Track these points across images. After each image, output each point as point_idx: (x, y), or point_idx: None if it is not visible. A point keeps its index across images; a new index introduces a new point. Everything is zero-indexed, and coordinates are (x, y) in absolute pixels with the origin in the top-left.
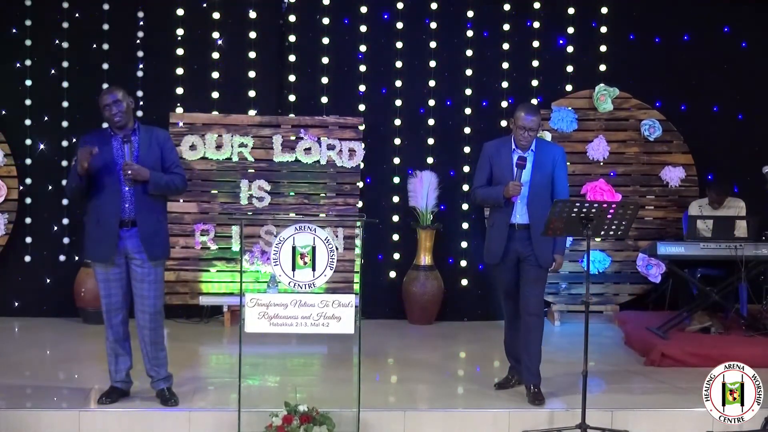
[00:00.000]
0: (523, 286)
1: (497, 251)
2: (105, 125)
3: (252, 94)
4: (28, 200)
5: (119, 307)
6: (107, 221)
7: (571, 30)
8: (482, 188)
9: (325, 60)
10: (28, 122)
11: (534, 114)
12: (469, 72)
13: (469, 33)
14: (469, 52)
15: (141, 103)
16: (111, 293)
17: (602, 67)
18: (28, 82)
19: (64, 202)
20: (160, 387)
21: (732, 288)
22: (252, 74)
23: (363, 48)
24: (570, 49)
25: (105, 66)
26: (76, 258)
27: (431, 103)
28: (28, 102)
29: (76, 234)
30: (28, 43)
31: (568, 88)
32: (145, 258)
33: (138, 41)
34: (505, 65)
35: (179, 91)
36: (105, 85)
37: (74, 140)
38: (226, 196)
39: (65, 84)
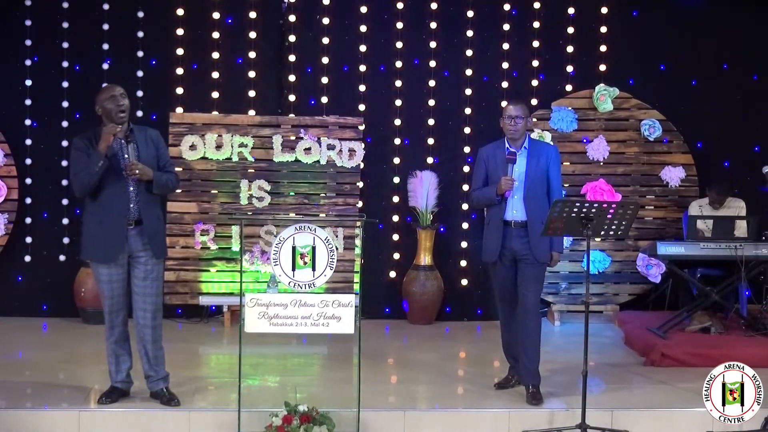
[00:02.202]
0: (520, 285)
1: (494, 249)
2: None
3: (252, 94)
4: (28, 200)
5: (121, 307)
6: (115, 222)
7: (571, 30)
8: (478, 190)
9: (325, 60)
10: (28, 122)
11: (517, 103)
12: (469, 72)
13: (469, 33)
14: (469, 52)
15: (141, 103)
16: (114, 294)
17: (602, 67)
18: (28, 82)
19: (65, 202)
20: (159, 387)
21: (732, 288)
22: (252, 74)
23: (363, 48)
24: (570, 49)
25: (105, 66)
26: (77, 258)
27: (431, 103)
28: (28, 102)
29: (76, 234)
30: (28, 43)
31: (568, 88)
32: (150, 256)
33: (138, 41)
34: (505, 65)
35: (179, 91)
36: (105, 85)
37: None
38: (226, 196)
39: (65, 84)
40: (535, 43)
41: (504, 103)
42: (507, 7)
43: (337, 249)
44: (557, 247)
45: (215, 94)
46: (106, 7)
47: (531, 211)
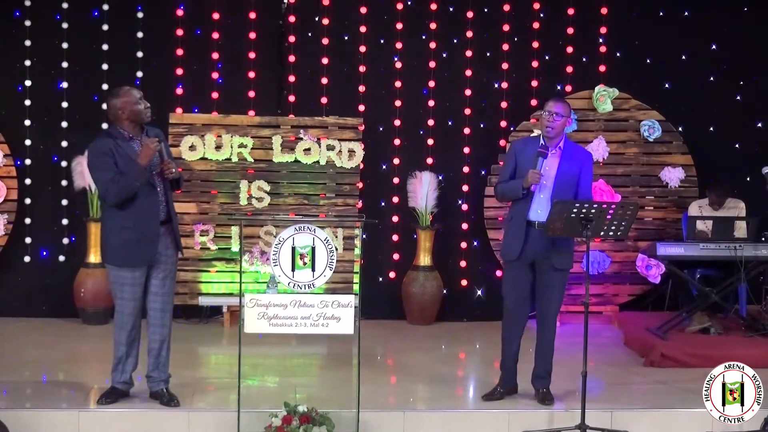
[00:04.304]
0: (540, 291)
1: (514, 247)
2: (105, 127)
3: (252, 94)
4: (28, 200)
5: (141, 309)
6: (148, 225)
7: (571, 30)
8: (504, 183)
9: (325, 60)
10: (27, 122)
11: (559, 100)
12: (469, 72)
13: (469, 33)
14: (469, 53)
15: None
16: (136, 297)
17: (602, 68)
18: (28, 82)
19: (64, 202)
20: (159, 387)
21: (731, 289)
22: (252, 74)
23: (363, 48)
24: (570, 49)
25: (105, 66)
26: (76, 258)
27: (431, 103)
28: (27, 102)
29: (76, 234)
30: (28, 43)
31: (568, 88)
32: (171, 254)
33: (138, 41)
34: (505, 65)
35: (179, 91)
36: (105, 86)
37: (74, 141)
38: (225, 197)
39: (65, 84)
40: (535, 44)
41: (547, 101)
42: (507, 7)
43: (336, 249)
44: None
45: (215, 95)
46: (106, 7)
47: None
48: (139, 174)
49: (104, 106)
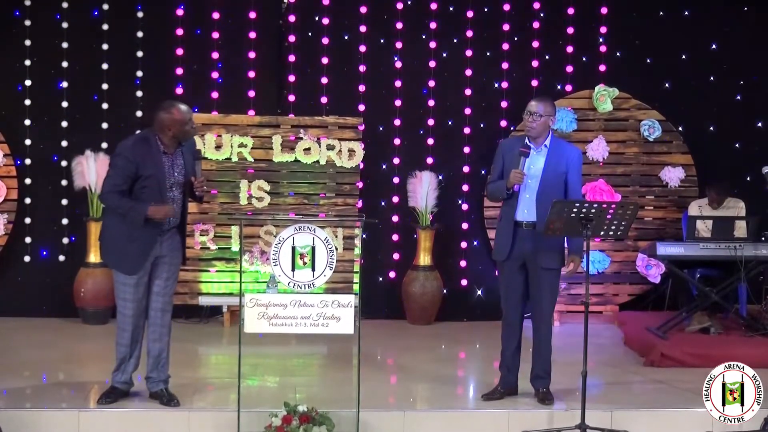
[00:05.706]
0: (531, 291)
1: (503, 248)
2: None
3: (252, 94)
4: (28, 200)
5: (143, 309)
6: (148, 239)
7: (571, 30)
8: (493, 183)
9: (325, 60)
10: (27, 122)
11: (540, 99)
12: (469, 72)
13: (469, 33)
14: (469, 52)
15: (141, 103)
16: (139, 297)
17: (602, 67)
18: (28, 82)
19: (64, 202)
20: (159, 387)
21: (731, 288)
22: (252, 74)
23: (363, 48)
24: (570, 49)
25: (105, 66)
26: (76, 258)
27: (431, 103)
28: (27, 102)
29: (76, 234)
30: (27, 43)
31: (568, 88)
32: (178, 255)
33: (138, 41)
34: (505, 65)
35: (179, 91)
36: (105, 86)
37: (74, 141)
38: (225, 196)
39: (65, 84)
40: (535, 43)
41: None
42: (507, 7)
43: (336, 249)
44: (576, 249)
45: (215, 94)
46: (106, 7)
47: (542, 213)
48: (139, 219)
49: (105, 105)
